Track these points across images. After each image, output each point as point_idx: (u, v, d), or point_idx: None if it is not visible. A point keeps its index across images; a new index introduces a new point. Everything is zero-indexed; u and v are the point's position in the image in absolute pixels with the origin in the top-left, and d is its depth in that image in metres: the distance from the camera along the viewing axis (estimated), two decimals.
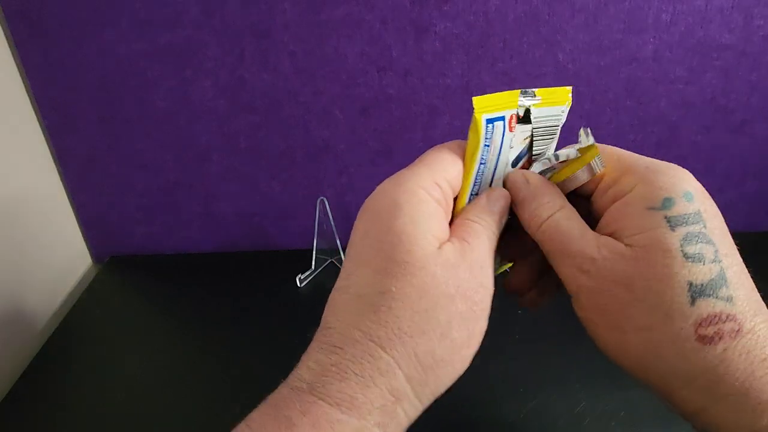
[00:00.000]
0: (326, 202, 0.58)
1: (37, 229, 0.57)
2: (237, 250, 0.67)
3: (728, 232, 0.24)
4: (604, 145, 0.27)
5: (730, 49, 0.54)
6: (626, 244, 0.23)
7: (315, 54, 0.54)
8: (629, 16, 0.52)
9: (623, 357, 0.24)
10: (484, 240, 0.25)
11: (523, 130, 0.28)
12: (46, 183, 0.60)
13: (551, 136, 0.29)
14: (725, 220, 0.24)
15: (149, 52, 0.54)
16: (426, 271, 0.23)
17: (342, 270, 0.26)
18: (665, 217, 0.22)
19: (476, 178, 0.28)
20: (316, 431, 0.20)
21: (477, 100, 0.26)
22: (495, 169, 0.28)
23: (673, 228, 0.22)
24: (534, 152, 0.28)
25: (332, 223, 0.58)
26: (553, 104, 0.28)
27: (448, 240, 0.25)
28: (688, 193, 0.23)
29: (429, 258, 0.23)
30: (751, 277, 0.24)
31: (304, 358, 0.24)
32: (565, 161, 0.28)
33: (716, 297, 0.21)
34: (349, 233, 0.26)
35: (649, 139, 0.59)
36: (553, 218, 0.26)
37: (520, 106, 0.27)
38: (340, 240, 0.59)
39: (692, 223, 0.22)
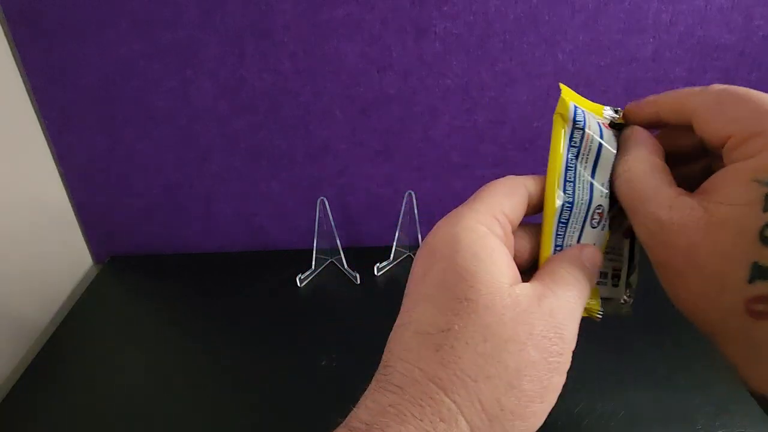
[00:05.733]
0: (326, 202, 0.58)
1: (38, 229, 0.57)
2: (237, 250, 0.67)
3: None
4: (745, 89, 0.24)
5: (729, 49, 0.54)
6: (706, 210, 0.22)
7: (315, 54, 0.54)
8: (629, 16, 0.52)
9: (680, 305, 0.24)
10: (572, 294, 0.23)
11: (615, 135, 0.26)
12: (46, 183, 0.60)
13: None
14: None
15: (149, 52, 0.54)
16: (492, 311, 0.21)
17: (402, 306, 0.24)
18: (765, 194, 0.21)
19: (567, 178, 0.25)
20: None
21: (565, 88, 0.25)
22: (591, 184, 0.25)
23: (766, 207, 0.21)
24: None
25: (332, 223, 0.58)
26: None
27: (529, 282, 0.23)
28: None
29: (495, 297, 0.21)
30: None
31: (363, 397, 0.22)
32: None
33: None
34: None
35: None
36: (630, 172, 0.25)
37: (605, 117, 0.26)
38: (339, 240, 0.59)
39: None
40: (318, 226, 0.59)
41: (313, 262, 0.61)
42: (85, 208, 0.64)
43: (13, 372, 0.50)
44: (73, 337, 0.54)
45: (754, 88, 0.23)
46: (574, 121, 0.25)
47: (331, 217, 0.58)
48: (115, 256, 0.67)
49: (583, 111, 0.25)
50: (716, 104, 0.23)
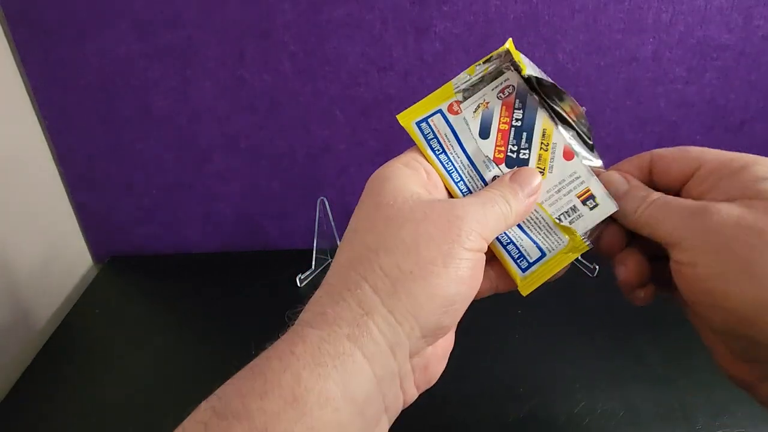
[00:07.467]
0: (326, 202, 0.58)
1: (38, 230, 0.57)
2: (237, 250, 0.67)
3: None
4: (701, 148, 0.27)
5: (729, 49, 0.54)
6: (750, 198, 0.23)
7: (315, 54, 0.54)
8: (629, 16, 0.52)
9: (738, 313, 0.23)
10: (487, 208, 0.26)
11: (472, 104, 0.30)
12: (45, 183, 0.60)
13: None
14: None
15: (149, 52, 0.54)
16: (392, 207, 0.25)
17: None
18: None
19: (449, 171, 0.29)
20: (289, 345, 0.22)
21: (400, 116, 0.30)
22: (466, 153, 0.29)
23: None
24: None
25: (332, 223, 0.58)
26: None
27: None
28: None
29: (397, 196, 0.25)
30: None
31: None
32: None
33: None
34: None
35: (649, 138, 0.59)
36: (662, 198, 0.27)
37: (456, 92, 0.30)
38: (339, 240, 0.59)
39: None
40: (318, 226, 0.59)
41: (313, 262, 0.61)
42: (85, 208, 0.64)
43: (13, 372, 0.50)
44: (73, 337, 0.54)
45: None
46: (424, 135, 0.31)
47: (331, 217, 0.58)
48: (115, 256, 0.67)
49: (426, 122, 0.31)
50: (671, 153, 0.28)
